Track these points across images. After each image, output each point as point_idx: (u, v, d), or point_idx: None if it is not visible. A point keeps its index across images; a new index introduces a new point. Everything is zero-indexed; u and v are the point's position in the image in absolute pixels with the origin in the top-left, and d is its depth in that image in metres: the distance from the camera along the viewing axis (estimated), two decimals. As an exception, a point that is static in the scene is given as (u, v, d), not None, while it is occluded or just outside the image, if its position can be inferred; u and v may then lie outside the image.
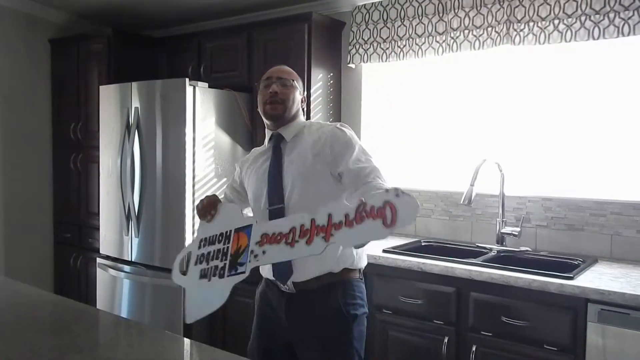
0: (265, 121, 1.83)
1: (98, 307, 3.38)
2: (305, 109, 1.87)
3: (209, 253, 1.56)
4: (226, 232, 1.55)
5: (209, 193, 3.08)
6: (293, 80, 1.82)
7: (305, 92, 3.04)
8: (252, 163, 1.89)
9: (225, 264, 1.49)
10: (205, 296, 1.52)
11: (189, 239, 2.98)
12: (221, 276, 1.48)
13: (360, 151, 1.73)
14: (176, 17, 3.80)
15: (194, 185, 3.02)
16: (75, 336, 1.41)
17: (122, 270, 3.26)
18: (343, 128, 1.77)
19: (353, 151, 1.71)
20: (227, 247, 1.51)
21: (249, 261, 1.43)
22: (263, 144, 1.90)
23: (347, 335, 1.71)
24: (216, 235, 1.58)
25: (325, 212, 1.32)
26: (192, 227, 3.00)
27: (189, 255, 1.64)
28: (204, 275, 1.53)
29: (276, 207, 1.72)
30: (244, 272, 1.43)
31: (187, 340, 1.43)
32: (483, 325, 2.14)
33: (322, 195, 1.66)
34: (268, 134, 1.85)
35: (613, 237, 2.45)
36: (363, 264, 1.82)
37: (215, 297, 1.47)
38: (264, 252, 1.41)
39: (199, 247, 1.61)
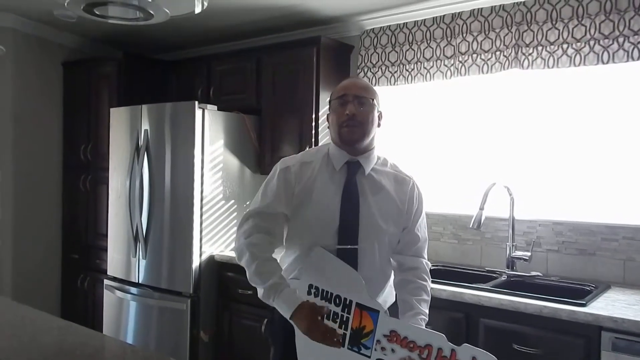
0: (338, 142, 1.68)
1: (104, 328, 3.37)
2: (380, 125, 1.75)
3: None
4: (345, 299, 1.52)
5: (216, 215, 3.09)
6: (372, 99, 1.66)
7: (313, 115, 3.05)
8: (310, 180, 1.66)
9: (345, 334, 1.51)
10: (316, 348, 1.53)
11: (196, 261, 2.98)
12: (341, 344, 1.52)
13: (424, 216, 1.77)
14: (186, 40, 3.86)
15: (202, 207, 3.02)
16: (80, 362, 1.40)
17: (129, 292, 3.25)
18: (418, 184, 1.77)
19: (421, 215, 1.75)
20: (348, 318, 1.51)
21: (375, 350, 1.46)
22: (299, 158, 1.71)
23: None
24: (331, 293, 1.54)
25: (469, 354, 1.35)
26: (199, 249, 3.00)
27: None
28: None
29: (348, 247, 1.60)
30: (369, 357, 1.47)
31: (192, 368, 1.41)
32: (493, 352, 2.04)
33: (386, 250, 1.68)
34: (341, 156, 1.68)
35: (626, 262, 2.40)
36: None
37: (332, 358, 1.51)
38: (393, 351, 1.44)
39: (308, 293, 1.57)
